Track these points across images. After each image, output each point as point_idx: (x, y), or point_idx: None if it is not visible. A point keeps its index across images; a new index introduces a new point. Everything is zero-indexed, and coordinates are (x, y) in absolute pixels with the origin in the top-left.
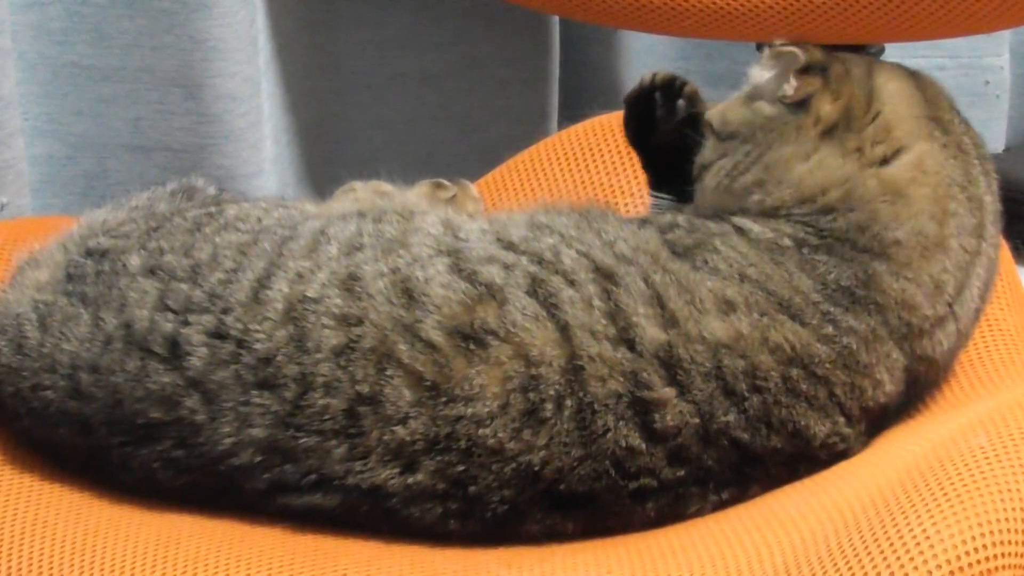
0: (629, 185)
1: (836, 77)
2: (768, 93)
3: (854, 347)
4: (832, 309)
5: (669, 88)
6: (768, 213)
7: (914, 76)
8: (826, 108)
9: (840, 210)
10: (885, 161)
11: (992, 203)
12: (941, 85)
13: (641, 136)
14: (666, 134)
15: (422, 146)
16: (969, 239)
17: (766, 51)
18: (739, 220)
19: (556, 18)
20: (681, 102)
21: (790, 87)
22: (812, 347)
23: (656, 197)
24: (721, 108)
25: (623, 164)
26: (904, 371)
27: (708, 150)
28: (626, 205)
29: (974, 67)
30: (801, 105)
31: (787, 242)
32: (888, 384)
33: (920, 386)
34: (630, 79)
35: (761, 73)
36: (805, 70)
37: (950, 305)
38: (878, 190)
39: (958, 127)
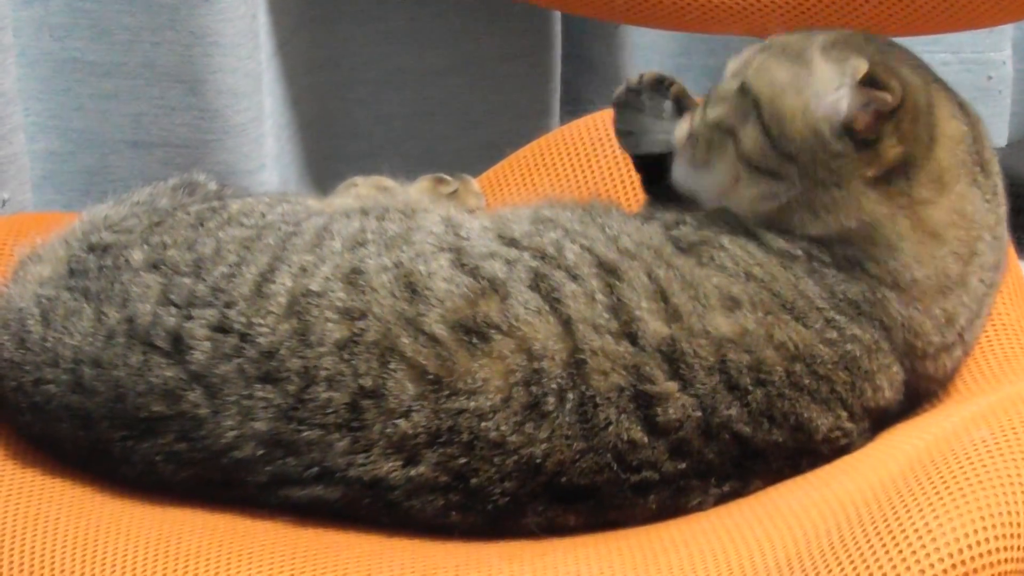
0: (631, 180)
1: (907, 119)
2: (837, 119)
3: (856, 354)
4: (837, 317)
5: (656, 89)
6: (795, 237)
7: (965, 110)
8: (890, 152)
9: (858, 244)
10: (927, 203)
11: (1006, 238)
12: (980, 119)
13: (629, 138)
14: (654, 135)
15: (423, 141)
16: (988, 274)
17: (850, 71)
18: (754, 228)
19: (558, 14)
20: (668, 103)
21: (863, 123)
22: (815, 348)
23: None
24: (770, 85)
25: (625, 159)
26: (904, 384)
27: (750, 138)
28: (627, 200)
29: (977, 62)
30: (864, 142)
31: (799, 252)
32: (888, 391)
33: (919, 398)
34: (632, 75)
35: (837, 96)
36: (887, 114)
37: (960, 335)
38: (909, 230)
39: (995, 167)
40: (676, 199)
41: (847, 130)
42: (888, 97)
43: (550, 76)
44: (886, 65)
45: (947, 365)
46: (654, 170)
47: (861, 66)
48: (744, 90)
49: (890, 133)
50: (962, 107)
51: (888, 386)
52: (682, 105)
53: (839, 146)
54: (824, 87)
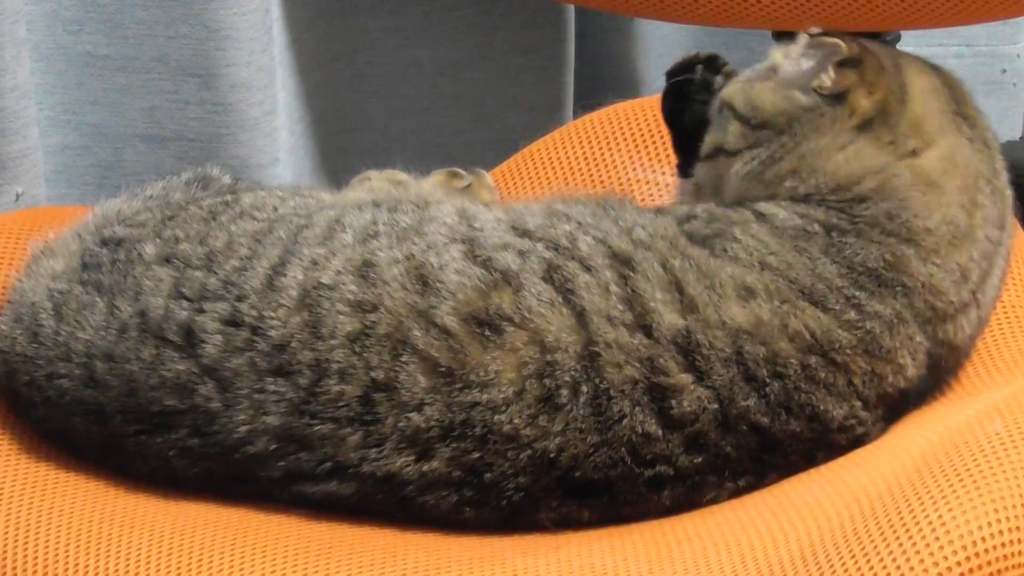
0: (644, 174)
1: (871, 71)
2: (803, 82)
3: (877, 331)
4: (857, 293)
5: (711, 64)
6: (799, 199)
7: (937, 70)
8: (862, 102)
9: (873, 199)
10: (916, 153)
11: (1010, 195)
12: (961, 80)
13: (676, 113)
14: (700, 112)
15: (437, 135)
16: (993, 230)
17: (803, 39)
18: (763, 206)
19: (571, 7)
20: (719, 78)
21: (828, 78)
22: (833, 333)
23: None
24: (742, 89)
25: (638, 153)
26: (926, 355)
27: (732, 135)
28: (641, 194)
29: (991, 55)
30: (836, 97)
31: (816, 228)
32: (910, 368)
33: (942, 371)
34: (646, 68)
35: (796, 61)
36: (843, 63)
37: (973, 293)
38: (911, 180)
39: (981, 121)
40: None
41: (816, 92)
42: (839, 43)
43: (564, 70)
44: (836, 33)
45: (965, 329)
46: (692, 150)
47: (810, 30)
48: (720, 106)
49: (857, 84)
50: (935, 68)
51: (911, 362)
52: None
53: (810, 100)
54: (783, 61)
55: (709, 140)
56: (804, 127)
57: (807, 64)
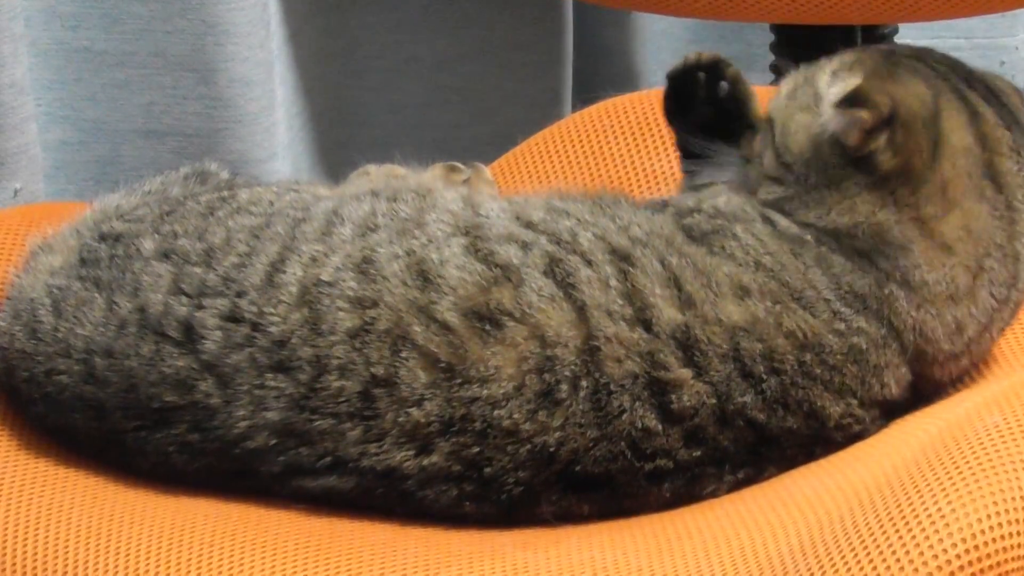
0: (643, 168)
1: (901, 131)
2: (832, 132)
3: (863, 347)
4: (843, 309)
5: (713, 69)
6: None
7: (975, 119)
8: (885, 164)
9: (866, 238)
10: (935, 219)
11: None
12: (1013, 111)
13: (679, 114)
14: (703, 115)
15: (436, 130)
16: (1000, 289)
17: (834, 96)
18: (770, 212)
19: (570, 1)
20: (724, 84)
21: (852, 139)
22: (824, 337)
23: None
24: (784, 114)
25: (637, 146)
26: (910, 385)
27: (768, 160)
28: (639, 188)
29: (989, 48)
30: (857, 156)
31: (809, 238)
32: (894, 389)
33: (925, 397)
34: (644, 62)
35: (826, 115)
36: (871, 130)
37: (968, 345)
38: (918, 236)
39: (1014, 177)
40: (708, 183)
41: (840, 145)
42: (864, 115)
43: (562, 64)
44: (879, 81)
45: (953, 372)
46: (695, 150)
47: (847, 85)
48: (767, 121)
49: (883, 147)
50: (975, 118)
51: (895, 384)
52: (737, 87)
53: (833, 158)
54: (821, 107)
55: (755, 147)
56: (819, 178)
57: (833, 124)
